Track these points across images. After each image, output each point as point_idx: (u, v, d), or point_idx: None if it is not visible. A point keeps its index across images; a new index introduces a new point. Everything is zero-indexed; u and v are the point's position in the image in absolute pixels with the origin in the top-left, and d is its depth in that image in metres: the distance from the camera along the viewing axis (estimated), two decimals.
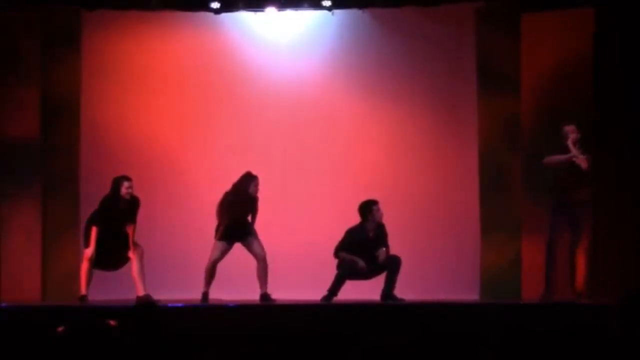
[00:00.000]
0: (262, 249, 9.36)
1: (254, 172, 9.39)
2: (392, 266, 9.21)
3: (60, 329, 4.39)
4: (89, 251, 9.33)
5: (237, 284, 9.50)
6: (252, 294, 9.23)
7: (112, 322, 4.42)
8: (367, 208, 9.33)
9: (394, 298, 9.15)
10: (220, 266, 9.36)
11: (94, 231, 9.34)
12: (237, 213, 9.38)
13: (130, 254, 9.35)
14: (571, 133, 9.13)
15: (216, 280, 9.37)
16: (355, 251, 9.26)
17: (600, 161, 9.51)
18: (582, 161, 9.13)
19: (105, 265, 9.47)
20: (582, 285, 8.94)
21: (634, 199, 9.49)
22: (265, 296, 9.23)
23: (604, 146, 9.50)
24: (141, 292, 9.22)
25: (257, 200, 9.41)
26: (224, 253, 9.40)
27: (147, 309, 4.84)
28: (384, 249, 9.27)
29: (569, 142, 9.10)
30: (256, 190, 9.38)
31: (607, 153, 9.21)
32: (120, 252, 9.40)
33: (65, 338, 4.28)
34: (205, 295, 9.36)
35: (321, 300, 9.14)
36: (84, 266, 9.36)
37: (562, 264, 9.10)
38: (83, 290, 9.30)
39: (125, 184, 9.35)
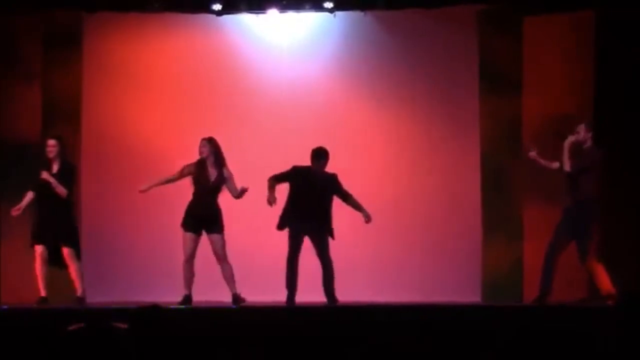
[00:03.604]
0: (223, 248, 8.97)
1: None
2: None
3: (73, 327, 4.36)
4: (38, 248, 9.00)
5: (244, 284, 9.41)
6: (253, 295, 9.20)
7: (122, 325, 4.40)
8: None
9: None
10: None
11: (26, 195, 9.04)
12: (195, 181, 9.01)
13: (65, 252, 8.97)
14: (576, 134, 8.91)
15: (220, 281, 9.18)
16: None
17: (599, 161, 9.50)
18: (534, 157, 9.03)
19: (42, 239, 8.98)
20: (610, 288, 8.72)
21: (633, 200, 9.49)
22: (235, 297, 9.03)
23: (604, 147, 9.49)
24: (79, 292, 9.01)
25: (206, 162, 8.97)
26: (191, 246, 8.98)
27: (151, 311, 4.82)
28: None
29: (565, 142, 8.87)
30: (201, 151, 9.00)
31: (607, 153, 9.19)
32: (56, 225, 8.96)
33: (73, 340, 4.27)
34: (185, 298, 8.91)
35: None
36: (36, 265, 9.03)
37: (560, 269, 9.01)
38: (41, 292, 9.01)
39: (48, 142, 9.07)
